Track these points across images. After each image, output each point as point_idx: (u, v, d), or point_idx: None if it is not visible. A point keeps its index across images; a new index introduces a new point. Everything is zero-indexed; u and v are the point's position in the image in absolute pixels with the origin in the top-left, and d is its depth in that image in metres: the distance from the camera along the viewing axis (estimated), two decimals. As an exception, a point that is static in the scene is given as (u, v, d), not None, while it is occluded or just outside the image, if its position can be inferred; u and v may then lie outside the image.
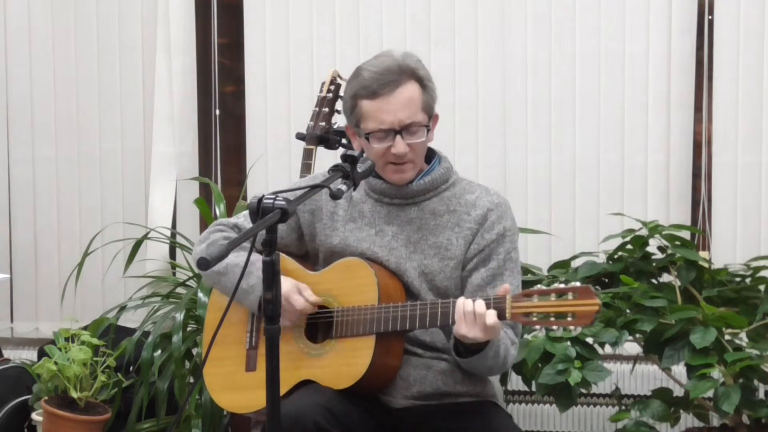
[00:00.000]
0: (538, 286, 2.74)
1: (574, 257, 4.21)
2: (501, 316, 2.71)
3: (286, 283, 2.91)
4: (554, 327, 2.68)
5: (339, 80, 3.72)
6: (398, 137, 2.89)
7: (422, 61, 2.96)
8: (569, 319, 2.65)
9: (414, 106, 2.88)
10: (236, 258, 2.95)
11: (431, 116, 2.94)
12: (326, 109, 3.69)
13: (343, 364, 2.89)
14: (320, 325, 2.97)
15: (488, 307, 2.72)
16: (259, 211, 2.47)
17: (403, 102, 2.88)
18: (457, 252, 2.94)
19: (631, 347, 4.24)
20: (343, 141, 3.66)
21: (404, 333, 2.91)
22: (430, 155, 3.03)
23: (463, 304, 2.74)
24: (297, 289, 2.94)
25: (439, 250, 2.94)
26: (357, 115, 2.92)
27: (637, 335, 3.82)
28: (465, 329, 2.74)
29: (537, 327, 2.71)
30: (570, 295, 2.66)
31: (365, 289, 2.90)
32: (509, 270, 2.95)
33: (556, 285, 2.70)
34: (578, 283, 2.68)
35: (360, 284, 2.91)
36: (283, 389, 2.66)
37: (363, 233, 2.99)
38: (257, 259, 2.47)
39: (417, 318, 2.84)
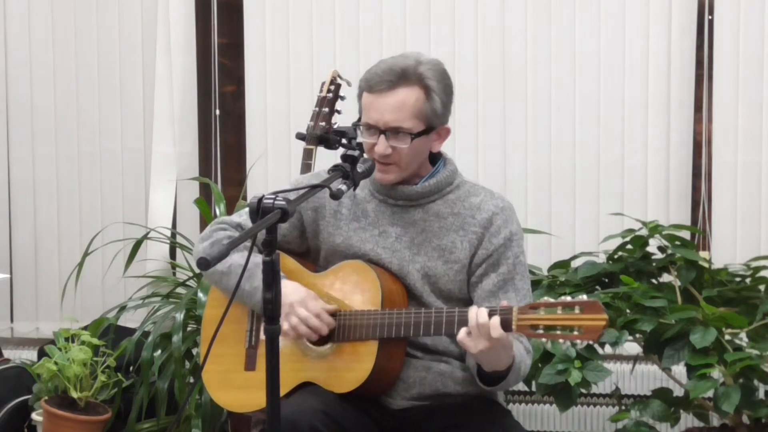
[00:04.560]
0: (545, 297, 2.72)
1: (574, 257, 4.21)
2: (507, 327, 2.68)
3: (300, 289, 2.90)
4: (560, 340, 2.66)
5: (339, 80, 3.71)
6: (382, 137, 2.87)
7: (447, 71, 2.94)
8: (575, 333, 2.63)
9: (405, 112, 2.86)
10: (240, 258, 2.94)
11: (431, 127, 2.91)
12: (326, 109, 3.69)
13: (345, 368, 2.88)
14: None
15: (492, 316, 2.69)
16: (259, 211, 2.46)
17: (393, 105, 2.86)
18: (461, 255, 2.93)
19: (631, 347, 4.23)
20: (343, 141, 3.65)
21: (407, 338, 2.90)
22: (435, 157, 3.02)
23: (477, 314, 2.69)
24: (311, 294, 2.92)
25: (443, 253, 2.93)
26: (360, 104, 2.94)
27: (637, 335, 3.82)
28: (470, 342, 2.70)
29: (543, 340, 2.69)
30: (577, 309, 2.63)
31: (368, 293, 2.89)
32: (519, 274, 2.93)
33: (563, 298, 2.67)
34: (585, 297, 2.66)
35: (363, 288, 2.90)
36: (283, 390, 2.65)
37: (366, 233, 2.98)
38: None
39: (421, 325, 2.82)
